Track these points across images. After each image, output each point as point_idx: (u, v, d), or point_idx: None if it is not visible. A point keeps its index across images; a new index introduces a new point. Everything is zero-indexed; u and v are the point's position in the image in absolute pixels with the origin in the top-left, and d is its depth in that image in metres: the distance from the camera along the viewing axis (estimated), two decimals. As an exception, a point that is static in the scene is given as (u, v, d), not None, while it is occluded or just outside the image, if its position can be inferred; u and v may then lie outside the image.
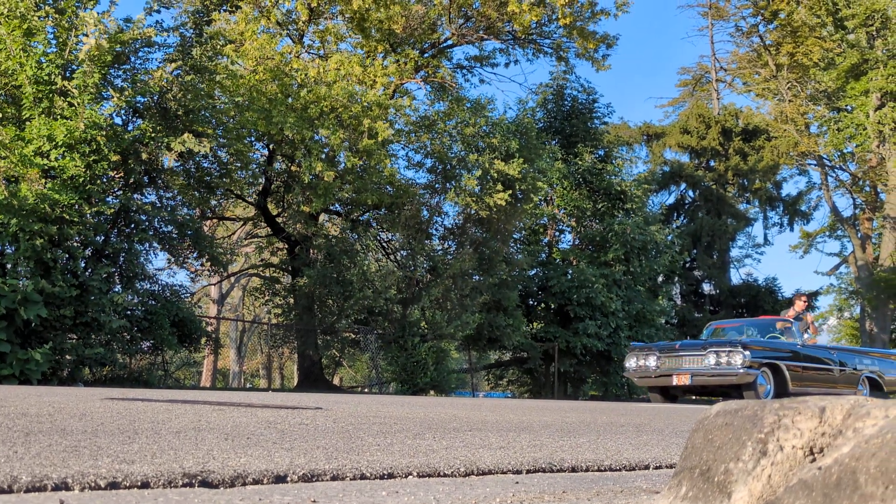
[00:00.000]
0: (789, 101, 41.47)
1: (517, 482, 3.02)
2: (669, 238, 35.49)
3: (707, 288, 43.49)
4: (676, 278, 40.32)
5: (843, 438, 1.82)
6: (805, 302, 19.93)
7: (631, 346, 18.92)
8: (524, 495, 2.66)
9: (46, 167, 16.16)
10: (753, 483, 1.91)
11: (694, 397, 22.56)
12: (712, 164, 44.49)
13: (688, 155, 45.34)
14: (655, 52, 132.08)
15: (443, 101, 26.95)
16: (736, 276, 45.97)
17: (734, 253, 45.79)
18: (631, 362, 18.33)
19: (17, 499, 2.20)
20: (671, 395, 18.64)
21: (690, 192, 44.79)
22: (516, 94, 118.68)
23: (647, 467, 3.84)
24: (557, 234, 35.62)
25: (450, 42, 29.11)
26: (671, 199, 44.88)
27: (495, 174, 24.60)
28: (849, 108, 39.77)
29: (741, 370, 16.39)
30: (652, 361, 17.83)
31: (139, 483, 2.53)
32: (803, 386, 17.59)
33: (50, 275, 15.94)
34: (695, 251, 41.55)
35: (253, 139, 24.04)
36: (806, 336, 18.74)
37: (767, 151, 42.79)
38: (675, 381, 17.25)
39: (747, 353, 16.46)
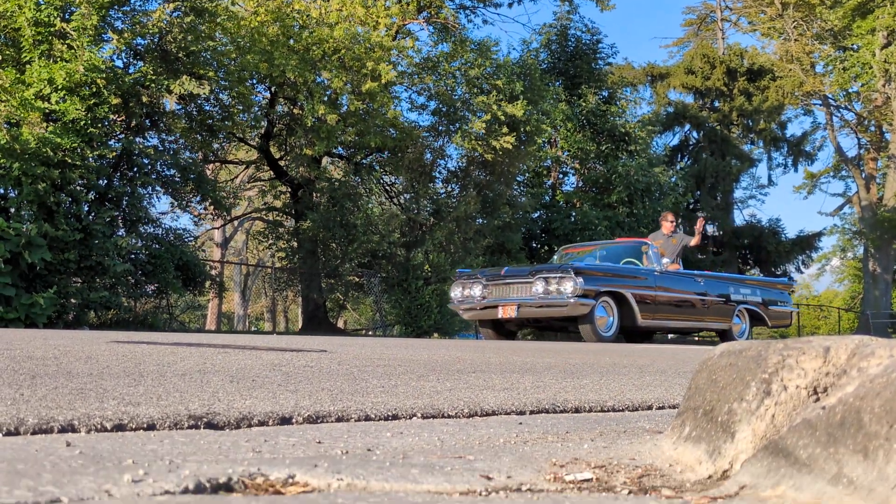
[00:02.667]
0: (795, 40, 41.19)
1: (521, 423, 3.04)
2: (673, 180, 35.41)
3: (711, 229, 43.43)
4: (680, 220, 40.27)
5: (847, 378, 1.82)
6: (672, 223, 17.63)
7: (457, 274, 16.68)
8: (528, 436, 2.68)
9: (47, 111, 16.10)
10: (757, 423, 1.91)
11: (527, 333, 21.18)
12: (717, 104, 44.26)
13: (692, 96, 45.07)
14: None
15: (446, 43, 26.77)
16: (739, 218, 45.96)
17: (738, 194, 45.73)
18: (456, 292, 15.99)
19: (24, 440, 2.21)
20: (505, 330, 16.35)
21: (694, 134, 44.59)
22: (520, 35, 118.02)
23: (649, 408, 3.86)
24: (561, 176, 35.55)
25: (453, -18, 28.86)
26: (675, 141, 44.73)
27: (501, 116, 24.49)
28: (855, 46, 39.51)
29: (572, 299, 14.11)
30: (477, 291, 15.49)
31: (145, 425, 2.54)
32: (658, 318, 15.66)
33: (53, 219, 15.95)
34: (698, 193, 41.46)
35: (255, 82, 23.92)
36: (665, 261, 16.23)
37: (772, 91, 42.53)
38: (501, 312, 14.97)
39: (580, 279, 14.20)
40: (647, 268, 15.90)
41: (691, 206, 41.43)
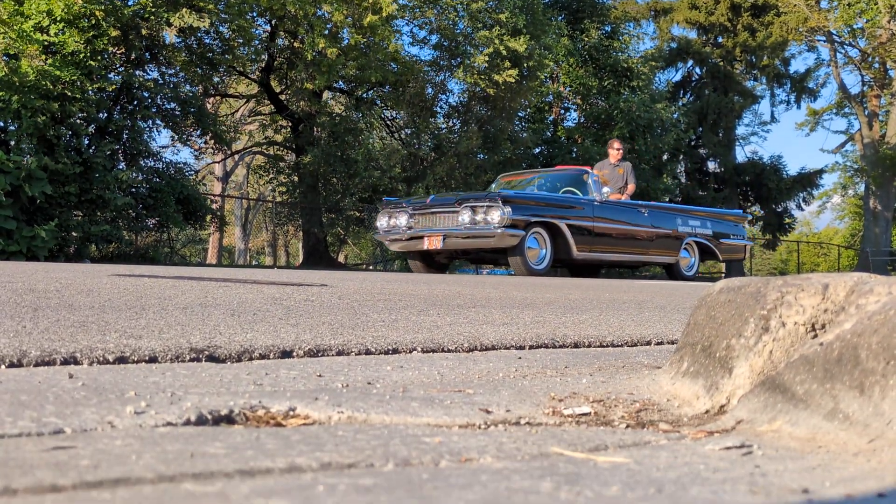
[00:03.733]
0: (800, -26, 40.75)
1: (520, 357, 3.05)
2: (675, 116, 35.22)
3: (712, 166, 43.32)
4: (681, 156, 40.12)
5: (845, 315, 1.83)
6: (619, 150, 16.71)
7: (383, 202, 15.79)
8: (527, 370, 2.69)
9: (46, 43, 15.99)
10: (755, 359, 1.92)
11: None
12: (720, 40, 43.88)
13: (696, 31, 44.67)
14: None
15: (448, -25, 26.51)
16: (741, 155, 45.86)
17: (740, 131, 45.56)
18: (382, 222, 14.96)
19: (26, 372, 2.23)
20: (436, 262, 15.42)
21: (697, 70, 44.26)
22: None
23: (648, 343, 3.88)
24: (563, 111, 35.38)
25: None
26: (678, 77, 44.39)
27: (504, 50, 24.32)
28: (860, -18, 39.12)
29: (499, 230, 13.21)
30: (403, 220, 14.48)
31: (147, 357, 2.56)
32: (596, 251, 14.83)
33: (53, 152, 15.92)
34: (700, 129, 41.26)
35: (255, 15, 23.72)
36: (606, 190, 15.12)
37: (776, 27, 42.14)
38: (426, 243, 14.05)
39: (508, 208, 13.25)
40: (584, 197, 15.02)
41: (693, 143, 41.27)
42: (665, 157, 35.61)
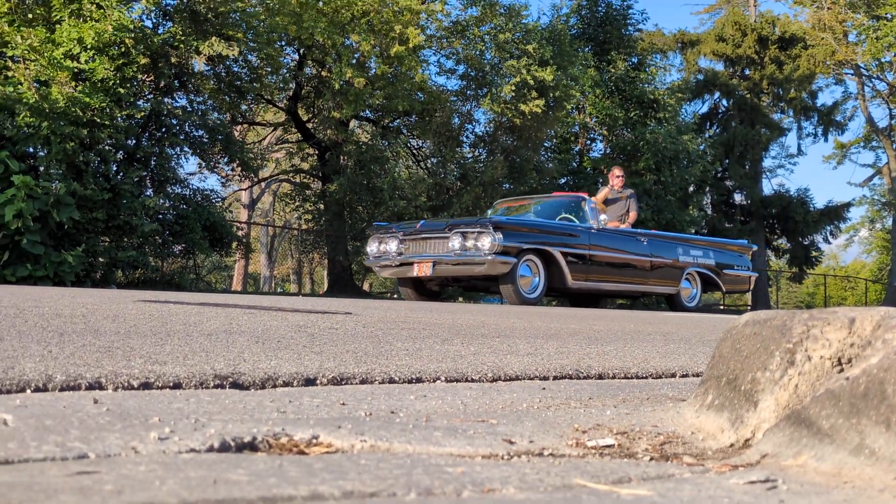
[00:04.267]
0: (828, 8, 40.70)
1: (544, 388, 3.05)
2: (702, 147, 35.15)
3: (738, 198, 43.15)
4: (708, 188, 40.00)
5: (871, 349, 1.82)
6: (621, 178, 16.43)
7: (373, 227, 15.45)
8: (550, 401, 2.69)
9: (76, 70, 16.15)
10: (780, 392, 1.91)
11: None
12: (747, 72, 43.82)
13: (722, 63, 44.65)
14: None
15: (475, 7, 26.63)
16: (768, 187, 45.63)
17: (767, 163, 45.35)
18: (372, 247, 14.66)
19: (52, 397, 2.24)
20: (427, 290, 15.02)
21: (724, 102, 44.21)
22: (550, 0, 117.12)
23: (673, 375, 3.86)
24: (589, 142, 35.39)
25: (483, -55, 28.64)
26: (704, 108, 44.36)
27: (531, 80, 24.38)
28: (888, 16, 38.99)
29: (489, 256, 12.85)
30: (393, 246, 14.14)
31: (171, 384, 2.57)
32: (592, 280, 14.42)
33: (82, 178, 16.04)
34: (727, 161, 41.15)
35: (283, 44, 23.91)
36: (603, 217, 14.83)
37: (804, 60, 42.07)
38: (416, 270, 13.68)
39: (499, 234, 12.88)
40: (580, 224, 14.67)
41: (719, 175, 41.16)
42: (691, 188, 35.52)
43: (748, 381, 2.00)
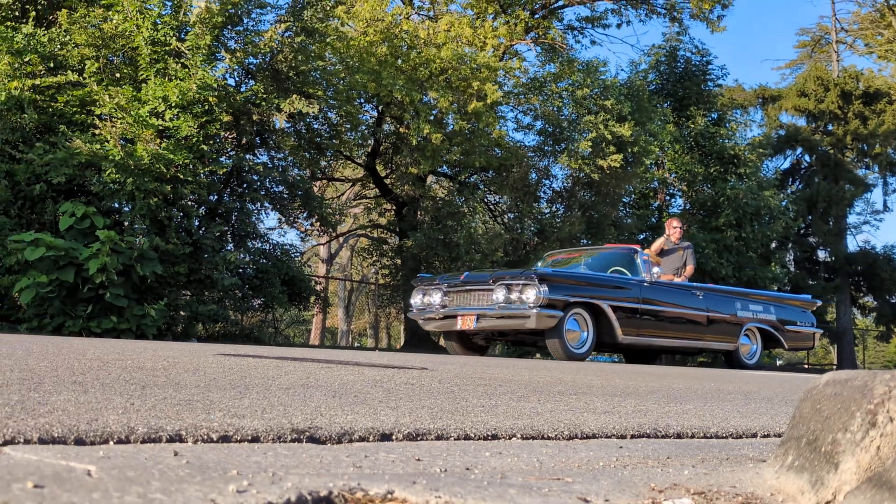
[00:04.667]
0: (913, 63, 40.17)
1: (621, 447, 3.02)
2: (784, 203, 34.73)
3: (822, 255, 42.45)
4: (790, 245, 39.43)
5: (956, 411, 1.78)
6: (678, 229, 15.84)
7: (417, 279, 14.92)
8: (628, 460, 2.66)
9: (161, 127, 16.52)
10: (861, 454, 1.88)
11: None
12: (830, 128, 43.30)
13: (804, 118, 44.17)
14: (773, 12, 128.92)
15: (553, 63, 26.77)
16: (852, 244, 44.82)
17: (851, 219, 44.60)
18: (416, 299, 14.17)
19: (133, 449, 2.28)
20: (474, 344, 14.50)
21: (807, 157, 43.67)
22: (628, 56, 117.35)
23: (754, 435, 3.80)
24: (668, 198, 35.17)
25: (561, 2, 28.88)
26: (786, 164, 43.84)
27: (609, 136, 24.37)
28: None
29: (534, 310, 12.33)
30: (437, 298, 13.66)
31: (249, 437, 2.59)
32: (644, 335, 13.78)
33: (165, 232, 16.34)
34: (810, 217, 40.57)
35: (362, 101, 24.23)
36: (656, 270, 14.34)
37: (889, 115, 41.45)
38: (460, 323, 13.17)
39: (544, 287, 12.42)
40: (631, 277, 14.14)
41: (802, 231, 40.60)
42: (773, 245, 35.06)
43: (829, 443, 1.97)
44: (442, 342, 21.01)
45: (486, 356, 14.04)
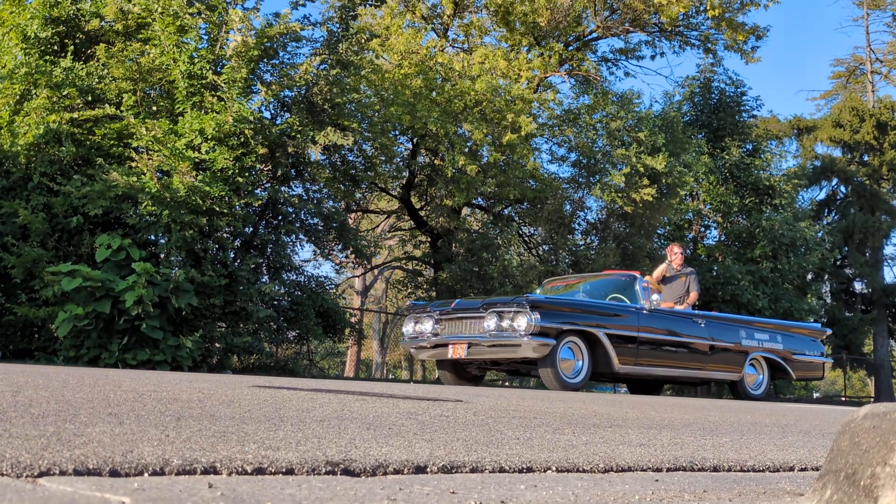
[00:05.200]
0: (949, 93, 39.87)
1: (657, 480, 2.99)
2: (819, 235, 34.49)
3: (859, 286, 42.11)
4: (826, 276, 39.14)
5: None
6: (679, 254, 15.46)
7: (409, 306, 14.44)
8: (664, 493, 2.64)
9: (197, 160, 16.65)
10: (903, 489, 1.85)
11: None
12: (866, 158, 43.04)
13: (840, 149, 43.95)
14: (807, 43, 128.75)
15: (587, 95, 26.80)
16: (890, 275, 44.46)
17: (888, 251, 44.39)
18: (408, 327, 13.72)
19: (168, 480, 2.28)
20: (468, 374, 14.04)
21: (842, 188, 43.42)
22: (662, 87, 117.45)
23: (791, 469, 3.76)
24: (703, 229, 35.02)
25: (594, 35, 28.89)
26: (822, 195, 43.60)
27: (642, 168, 24.34)
28: None
29: (525, 338, 11.85)
30: (429, 326, 13.20)
31: (284, 469, 2.59)
32: (642, 364, 13.25)
33: (200, 265, 16.43)
34: (846, 248, 40.28)
35: (397, 133, 24.33)
36: (655, 297, 13.82)
37: (925, 145, 41.21)
38: (451, 352, 12.72)
39: (536, 314, 11.92)
40: (629, 304, 13.63)
41: (838, 262, 40.27)
42: (809, 276, 34.81)
43: (868, 476, 1.94)
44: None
45: (479, 386, 13.88)
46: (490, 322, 12.22)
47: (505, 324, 12.07)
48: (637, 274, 14.51)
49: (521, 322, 11.91)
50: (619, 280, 14.77)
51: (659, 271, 15.35)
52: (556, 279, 16.85)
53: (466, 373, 13.98)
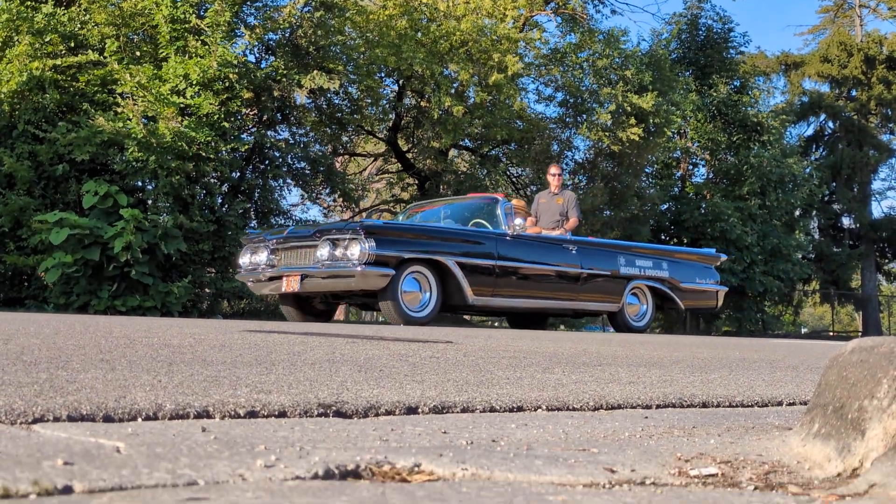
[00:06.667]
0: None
1: (646, 417, 3.02)
2: (807, 171, 34.51)
3: (846, 222, 42.22)
4: (814, 212, 39.23)
5: (984, 376, 1.77)
6: (557, 176, 14.14)
7: (245, 235, 13.36)
8: (653, 430, 2.66)
9: (182, 105, 16.56)
10: (889, 421, 1.87)
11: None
12: (854, 93, 42.94)
13: (828, 84, 43.80)
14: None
15: (574, 34, 26.62)
16: (877, 210, 44.64)
17: (876, 186, 44.34)
18: (244, 259, 12.33)
19: (161, 425, 2.30)
20: (315, 309, 12.68)
21: (830, 124, 43.35)
22: (649, 25, 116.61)
23: (779, 404, 3.80)
24: (691, 167, 35.02)
25: (581, -28, 28.63)
26: (810, 131, 43.55)
27: (628, 107, 24.26)
28: None
29: (359, 268, 10.55)
30: (263, 257, 11.92)
31: (276, 412, 2.61)
32: (502, 295, 11.99)
33: (188, 210, 16.41)
34: (834, 184, 40.31)
35: (383, 75, 24.18)
36: (518, 222, 12.33)
37: (913, 79, 41.11)
38: (285, 285, 11.41)
39: (371, 242, 10.61)
40: (486, 230, 12.34)
41: (826, 198, 40.34)
42: (797, 212, 34.89)
43: (855, 410, 1.97)
44: (466, 315, 20.79)
45: (332, 322, 12.85)
46: (323, 251, 10.99)
47: (339, 252, 10.86)
48: (500, 196, 13.33)
49: (355, 250, 10.70)
50: (480, 203, 13.61)
51: (543, 194, 14.35)
52: (419, 204, 15.65)
53: (312, 308, 12.66)
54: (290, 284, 11.33)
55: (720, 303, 15.04)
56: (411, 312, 11.19)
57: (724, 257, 16.07)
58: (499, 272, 11.91)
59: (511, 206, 12.74)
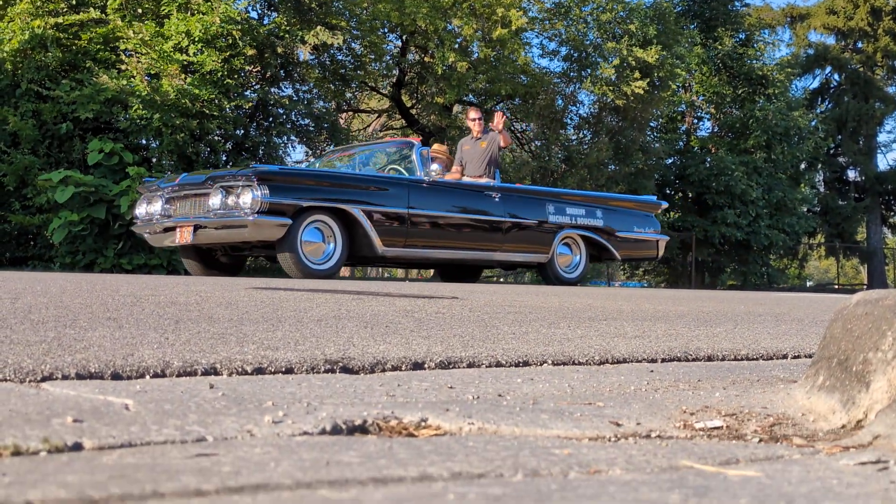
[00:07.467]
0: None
1: (652, 371, 3.04)
2: (813, 124, 34.32)
3: (852, 175, 42.05)
4: (820, 165, 39.05)
5: None
6: (476, 120, 12.90)
7: (142, 184, 12.04)
8: (658, 383, 2.68)
9: (185, 63, 16.49)
10: (893, 373, 1.88)
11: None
12: (860, 45, 42.63)
13: (834, 37, 43.48)
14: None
15: (578, -14, 26.41)
16: (883, 162, 44.52)
17: (881, 138, 44.11)
18: (140, 209, 11.39)
19: (169, 382, 2.31)
20: (219, 262, 11.77)
21: (836, 76, 43.06)
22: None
23: (784, 357, 3.81)
24: (696, 121, 34.86)
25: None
26: (815, 84, 43.28)
27: (633, 61, 24.12)
28: None
29: (251, 217, 9.78)
30: (158, 207, 10.98)
31: (283, 369, 2.63)
32: (416, 247, 11.22)
33: (193, 168, 16.39)
34: (839, 137, 40.11)
35: (386, 31, 24.04)
36: (434, 168, 11.50)
37: (920, 31, 40.80)
38: (178, 236, 10.58)
39: (264, 189, 9.84)
40: (399, 176, 11.61)
41: (832, 151, 40.18)
42: (803, 166, 34.76)
43: (860, 362, 1.98)
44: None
45: (241, 276, 11.79)
46: (216, 199, 10.17)
47: (231, 201, 10.08)
48: (416, 140, 12.58)
49: (247, 198, 9.92)
50: (395, 148, 13.00)
51: (467, 140, 13.18)
52: (336, 150, 14.80)
53: (216, 261, 11.79)
54: (184, 236, 10.56)
55: (661, 252, 14.17)
56: (313, 265, 10.48)
57: (664, 204, 15.17)
58: (412, 221, 11.18)
59: (428, 150, 12.05)
